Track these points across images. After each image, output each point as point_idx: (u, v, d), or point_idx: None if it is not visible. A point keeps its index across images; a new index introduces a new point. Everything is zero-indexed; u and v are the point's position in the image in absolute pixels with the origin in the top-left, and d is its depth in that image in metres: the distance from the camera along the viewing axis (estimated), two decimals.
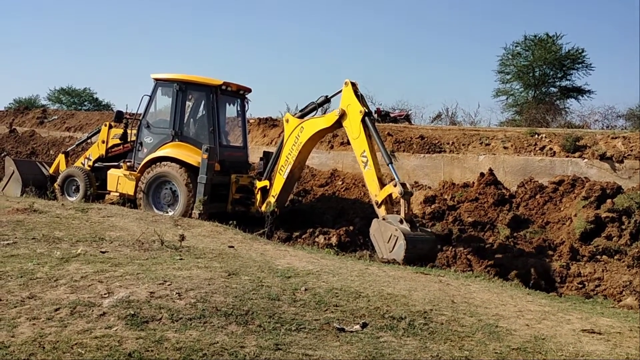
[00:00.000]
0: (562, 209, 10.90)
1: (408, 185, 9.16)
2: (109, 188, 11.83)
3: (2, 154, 18.10)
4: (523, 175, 12.12)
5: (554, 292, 8.59)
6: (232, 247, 7.01)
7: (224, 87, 11.35)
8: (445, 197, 12.27)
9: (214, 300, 4.44)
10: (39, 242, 6.39)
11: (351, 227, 10.98)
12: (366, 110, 9.64)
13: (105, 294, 4.45)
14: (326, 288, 5.16)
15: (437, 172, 13.22)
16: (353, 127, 9.75)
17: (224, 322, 4.05)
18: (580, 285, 9.03)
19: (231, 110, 12.49)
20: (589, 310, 5.61)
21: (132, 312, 4.04)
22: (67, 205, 9.25)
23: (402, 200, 8.69)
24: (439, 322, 4.43)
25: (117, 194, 11.68)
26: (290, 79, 64.24)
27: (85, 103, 37.91)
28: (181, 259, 5.92)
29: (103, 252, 6.03)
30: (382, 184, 9.33)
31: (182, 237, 6.63)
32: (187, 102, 11.81)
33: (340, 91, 10.04)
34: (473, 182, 12.43)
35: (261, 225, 10.24)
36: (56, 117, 20.95)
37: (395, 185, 8.82)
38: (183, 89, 11.32)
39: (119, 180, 11.61)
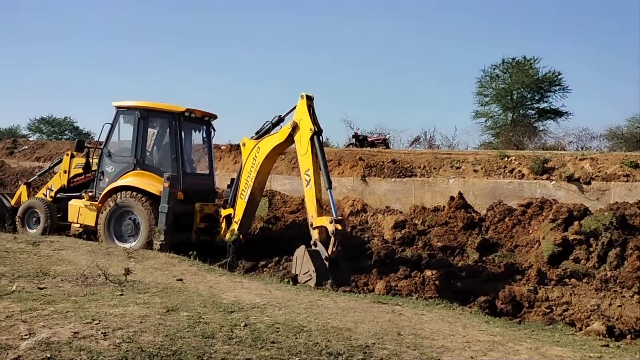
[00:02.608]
0: (530, 231, 10.78)
1: (344, 223, 9.06)
2: (70, 219, 11.51)
3: None
4: (492, 199, 12.03)
5: (518, 318, 8.41)
6: (181, 280, 6.75)
7: (187, 114, 11.17)
8: (416, 221, 12.12)
9: (142, 340, 4.19)
10: None
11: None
12: (316, 129, 9.56)
13: (26, 335, 4.18)
14: (268, 323, 4.93)
15: (409, 197, 13.08)
16: (302, 143, 9.70)
17: None
18: (547, 310, 8.83)
19: (197, 137, 12.28)
20: (545, 339, 5.43)
21: (49, 355, 3.78)
22: (19, 239, 8.96)
23: (332, 238, 8.64)
24: (378, 358, 4.21)
25: (78, 225, 11.38)
26: (266, 103, 64.44)
27: (66, 132, 37.58)
28: (121, 295, 5.67)
29: (41, 289, 5.77)
30: (321, 206, 9.30)
31: (127, 271, 6.38)
32: (151, 130, 11.61)
33: (294, 108, 9.93)
34: (444, 206, 12.30)
35: (226, 255, 9.98)
36: (26, 147, 20.62)
37: (331, 222, 8.72)
38: (145, 116, 11.10)
39: (79, 211, 11.32)
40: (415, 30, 66.58)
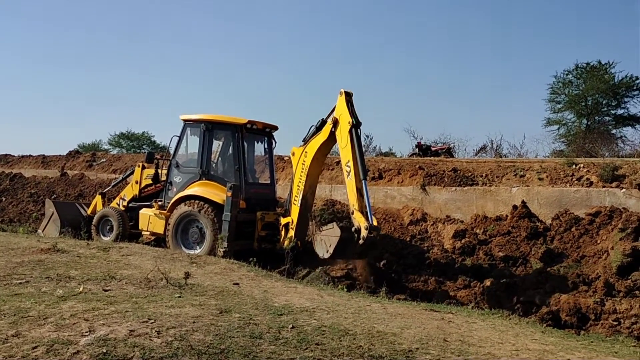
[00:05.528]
0: (598, 241, 10.37)
1: (378, 231, 9.49)
2: (140, 227, 12.10)
3: (52, 197, 18.91)
4: (558, 207, 11.65)
5: (584, 331, 8.11)
6: (237, 284, 6.98)
7: (249, 126, 11.51)
8: (477, 231, 11.92)
9: (192, 339, 4.40)
10: (50, 281, 6.56)
11: (380, 263, 10.81)
12: (354, 122, 9.88)
13: (86, 332, 4.48)
14: (315, 326, 5.04)
15: (470, 206, 12.88)
16: (342, 136, 10.05)
17: None
18: (615, 323, 8.47)
19: (260, 148, 12.62)
20: (602, 349, 5.24)
21: (105, 351, 4.04)
22: (91, 245, 9.50)
23: (361, 241, 9.20)
24: None
25: (149, 233, 11.95)
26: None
27: (144, 146, 39.25)
28: (179, 297, 5.94)
29: (106, 290, 6.12)
30: (362, 195, 9.58)
31: (187, 275, 6.67)
32: (216, 141, 12.04)
33: (334, 108, 10.25)
34: (506, 215, 12.04)
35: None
36: (104, 160, 21.81)
37: (366, 228, 9.09)
38: (210, 128, 11.55)
39: (149, 219, 11.87)
40: (483, 33, 65.32)
